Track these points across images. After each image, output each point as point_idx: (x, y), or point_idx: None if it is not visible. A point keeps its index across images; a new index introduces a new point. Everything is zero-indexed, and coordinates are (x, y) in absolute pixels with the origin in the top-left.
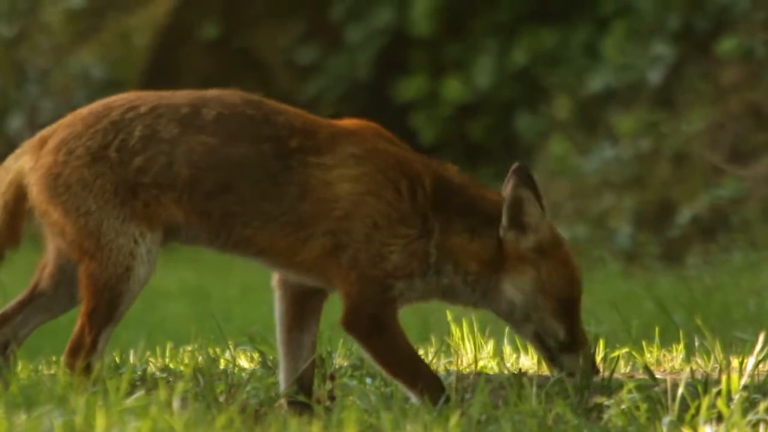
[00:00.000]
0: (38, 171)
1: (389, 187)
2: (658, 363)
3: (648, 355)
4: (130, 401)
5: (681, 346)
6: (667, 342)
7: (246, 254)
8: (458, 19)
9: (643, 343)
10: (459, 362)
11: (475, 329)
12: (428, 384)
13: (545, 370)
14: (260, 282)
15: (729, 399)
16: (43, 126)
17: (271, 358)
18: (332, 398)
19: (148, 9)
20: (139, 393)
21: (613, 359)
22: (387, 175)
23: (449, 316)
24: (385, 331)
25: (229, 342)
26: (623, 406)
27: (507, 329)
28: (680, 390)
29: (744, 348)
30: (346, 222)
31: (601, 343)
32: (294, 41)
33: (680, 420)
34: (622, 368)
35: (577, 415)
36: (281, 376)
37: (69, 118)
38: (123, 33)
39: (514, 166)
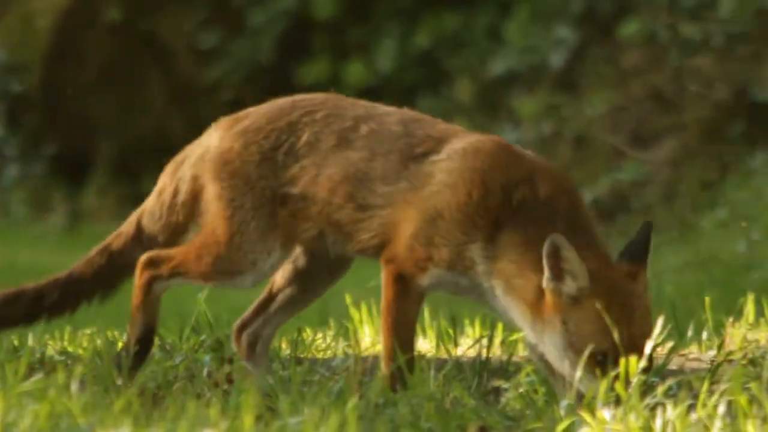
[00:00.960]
0: (216, 150)
1: (466, 187)
2: None
3: None
4: (27, 384)
5: None
6: None
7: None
8: (361, 2)
9: None
10: (358, 346)
11: (374, 313)
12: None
13: (443, 353)
14: None
15: (627, 382)
16: None
17: (169, 341)
18: (230, 381)
19: None
20: (38, 376)
21: (512, 342)
22: (472, 176)
23: (348, 299)
24: (401, 298)
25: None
26: (521, 390)
27: None
28: (578, 373)
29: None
30: (426, 201)
31: (500, 326)
32: (197, 25)
33: (578, 403)
34: (521, 351)
35: (475, 398)
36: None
37: (264, 107)
38: (25, 16)
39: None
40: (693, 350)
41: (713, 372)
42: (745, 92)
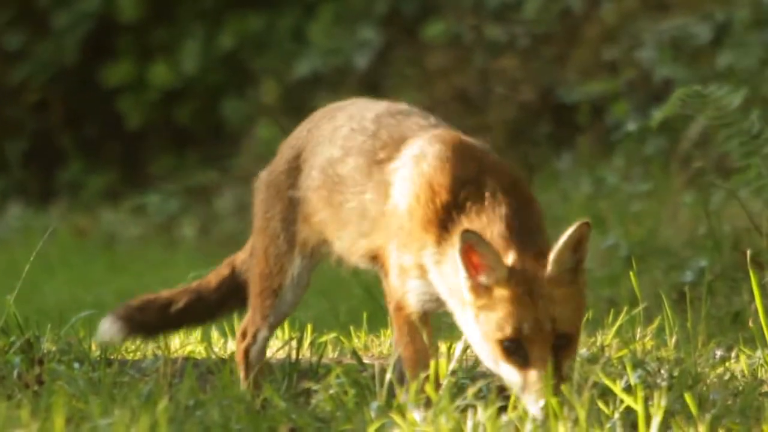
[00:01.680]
0: (268, 166)
1: (415, 192)
2: (366, 348)
3: (356, 340)
4: None
5: (389, 331)
6: (374, 327)
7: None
8: (164, 3)
9: (351, 329)
10: (167, 348)
11: None
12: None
13: None
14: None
15: (437, 384)
16: None
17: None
18: (40, 383)
19: None
20: None
21: (321, 344)
22: (428, 179)
23: None
24: (404, 317)
25: None
26: (331, 391)
27: None
28: (388, 375)
29: (452, 333)
30: (388, 215)
31: (309, 328)
32: (1, 27)
33: (388, 405)
34: (330, 353)
35: (286, 400)
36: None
37: (318, 113)
38: None
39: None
40: None
41: None
42: (551, 93)
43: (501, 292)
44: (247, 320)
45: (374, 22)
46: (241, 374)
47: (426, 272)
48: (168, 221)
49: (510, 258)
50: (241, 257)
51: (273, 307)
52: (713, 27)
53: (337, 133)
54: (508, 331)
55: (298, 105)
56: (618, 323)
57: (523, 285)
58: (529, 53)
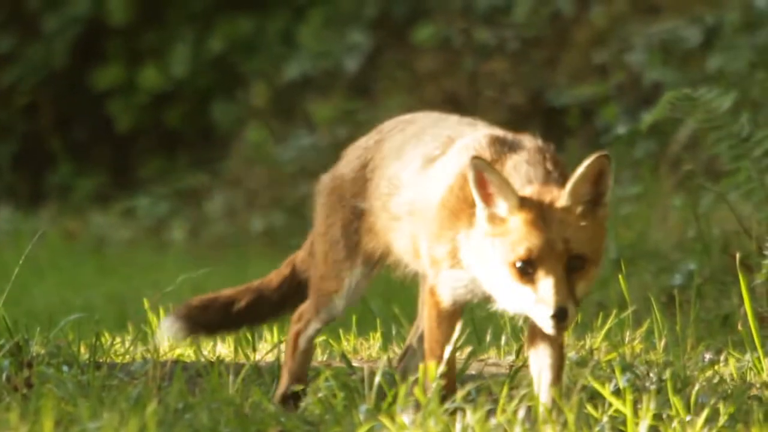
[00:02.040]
0: (330, 171)
1: (457, 181)
2: (356, 351)
3: (345, 344)
4: None
5: (378, 334)
6: (364, 330)
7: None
8: (154, 7)
9: (341, 332)
10: (156, 350)
11: None
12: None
13: (242, 358)
14: None
15: (427, 387)
16: None
17: None
18: (29, 386)
19: None
20: None
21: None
22: (461, 170)
23: (146, 304)
24: (434, 307)
25: None
26: (320, 394)
27: None
28: (377, 378)
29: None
30: (425, 210)
31: None
32: None
33: (377, 408)
34: (320, 356)
35: (274, 403)
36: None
37: (388, 124)
38: None
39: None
40: (492, 355)
41: (512, 377)
42: (541, 97)
43: (514, 219)
44: (305, 305)
45: (364, 25)
46: (287, 353)
47: (459, 260)
48: (157, 224)
49: (527, 190)
50: (300, 256)
51: (326, 306)
52: (703, 30)
53: (405, 145)
54: (520, 251)
55: (287, 108)
56: (607, 326)
57: (536, 211)
58: (519, 56)
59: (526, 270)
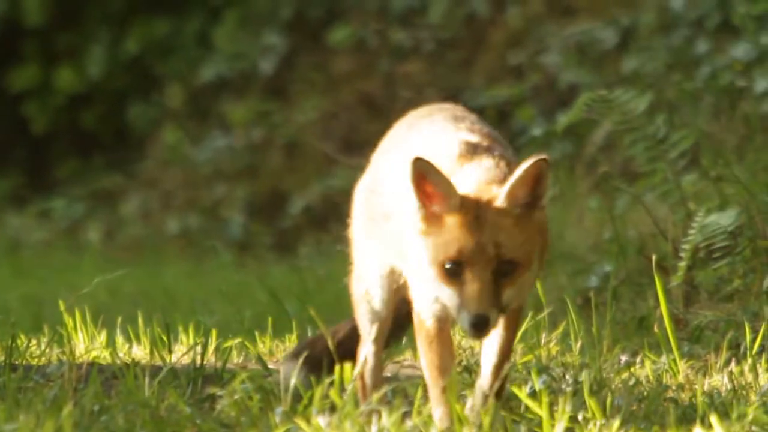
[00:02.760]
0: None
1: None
2: (272, 353)
3: (261, 346)
4: None
5: (294, 336)
6: (280, 332)
7: None
8: (70, 8)
9: (256, 334)
10: (72, 353)
11: (88, 319)
12: (438, 400)
13: (158, 360)
14: None
15: (342, 389)
16: None
17: None
18: None
19: None
20: None
21: (226, 349)
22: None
23: (62, 306)
24: (420, 329)
25: None
26: (236, 397)
27: (120, 319)
28: (293, 380)
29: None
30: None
31: (214, 333)
32: None
33: (293, 410)
34: (235, 358)
35: (190, 405)
36: None
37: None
38: None
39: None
40: (408, 357)
41: None
42: (457, 98)
43: (450, 219)
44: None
45: (279, 26)
46: (359, 397)
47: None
48: (73, 226)
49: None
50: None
51: (370, 320)
52: (618, 32)
53: (394, 141)
54: (450, 252)
55: (203, 110)
56: (522, 328)
57: (473, 212)
58: (435, 58)
59: (455, 271)
